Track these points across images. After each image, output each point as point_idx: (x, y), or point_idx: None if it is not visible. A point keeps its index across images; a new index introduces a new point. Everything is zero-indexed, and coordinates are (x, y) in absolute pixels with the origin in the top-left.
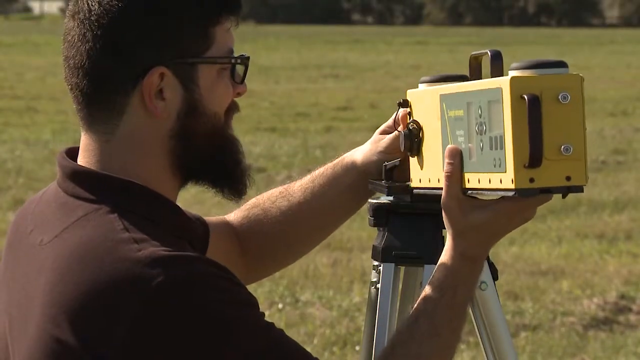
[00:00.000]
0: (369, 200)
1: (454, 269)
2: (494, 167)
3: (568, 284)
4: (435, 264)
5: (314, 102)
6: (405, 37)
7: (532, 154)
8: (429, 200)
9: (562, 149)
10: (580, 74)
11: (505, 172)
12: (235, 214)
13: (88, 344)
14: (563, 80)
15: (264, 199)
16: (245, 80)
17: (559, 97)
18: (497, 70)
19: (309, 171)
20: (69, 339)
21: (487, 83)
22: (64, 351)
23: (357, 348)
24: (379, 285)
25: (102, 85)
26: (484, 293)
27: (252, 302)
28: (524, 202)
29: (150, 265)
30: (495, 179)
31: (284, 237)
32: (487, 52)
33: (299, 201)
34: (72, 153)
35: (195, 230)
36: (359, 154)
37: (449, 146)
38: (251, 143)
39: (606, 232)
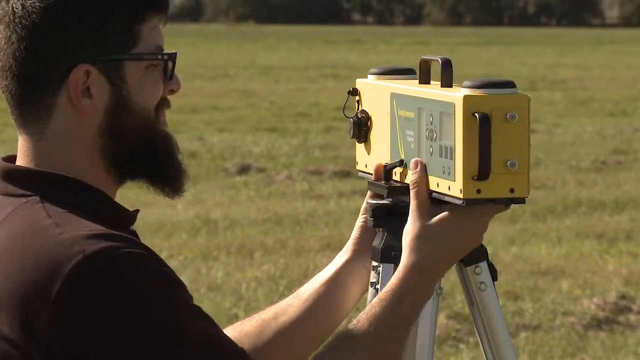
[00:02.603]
0: (369, 200)
1: (404, 278)
2: (443, 173)
3: (568, 284)
4: None
5: (314, 102)
6: (405, 37)
7: (481, 168)
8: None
9: (507, 164)
10: (528, 95)
11: (455, 181)
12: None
13: (25, 332)
14: (512, 100)
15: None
16: (175, 76)
17: (507, 116)
18: (447, 77)
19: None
20: (5, 330)
21: (440, 95)
22: (6, 345)
23: None
24: (378, 286)
25: (29, 87)
26: (483, 294)
27: (178, 283)
28: (471, 212)
29: (70, 246)
30: (444, 184)
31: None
32: (437, 59)
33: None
34: (11, 159)
35: (129, 219)
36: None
37: (414, 159)
38: (251, 143)
39: (606, 232)
